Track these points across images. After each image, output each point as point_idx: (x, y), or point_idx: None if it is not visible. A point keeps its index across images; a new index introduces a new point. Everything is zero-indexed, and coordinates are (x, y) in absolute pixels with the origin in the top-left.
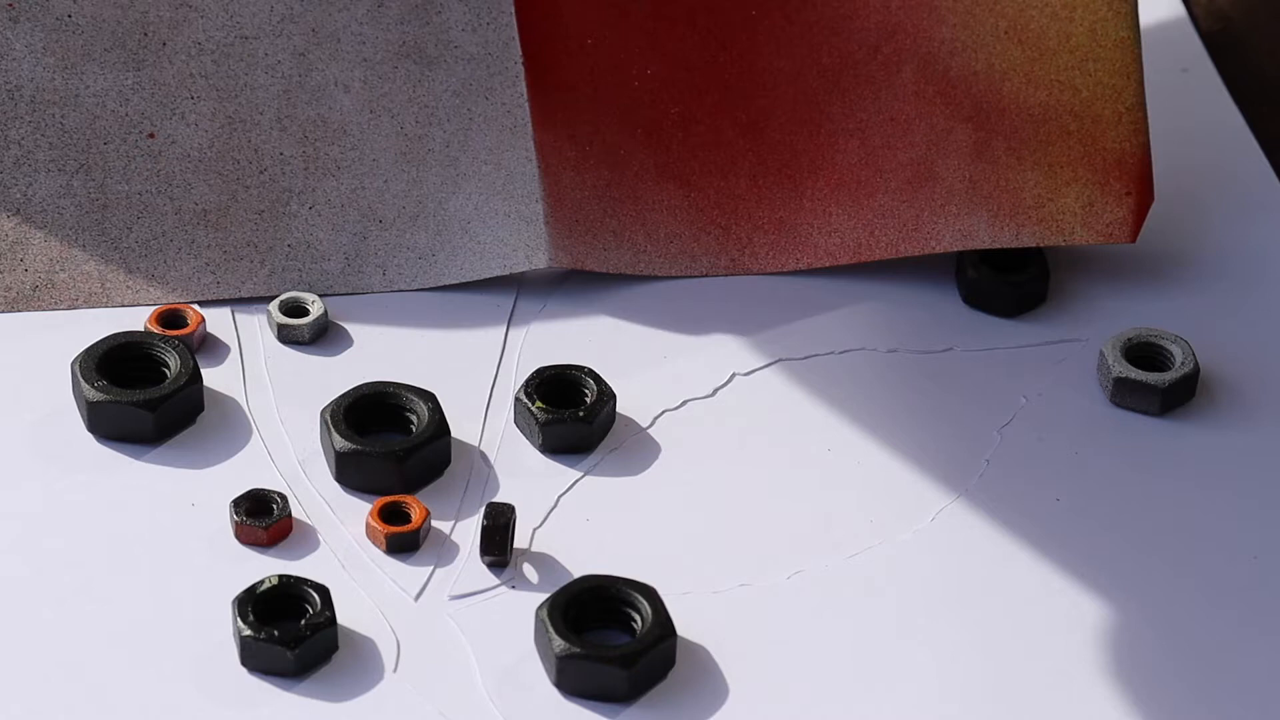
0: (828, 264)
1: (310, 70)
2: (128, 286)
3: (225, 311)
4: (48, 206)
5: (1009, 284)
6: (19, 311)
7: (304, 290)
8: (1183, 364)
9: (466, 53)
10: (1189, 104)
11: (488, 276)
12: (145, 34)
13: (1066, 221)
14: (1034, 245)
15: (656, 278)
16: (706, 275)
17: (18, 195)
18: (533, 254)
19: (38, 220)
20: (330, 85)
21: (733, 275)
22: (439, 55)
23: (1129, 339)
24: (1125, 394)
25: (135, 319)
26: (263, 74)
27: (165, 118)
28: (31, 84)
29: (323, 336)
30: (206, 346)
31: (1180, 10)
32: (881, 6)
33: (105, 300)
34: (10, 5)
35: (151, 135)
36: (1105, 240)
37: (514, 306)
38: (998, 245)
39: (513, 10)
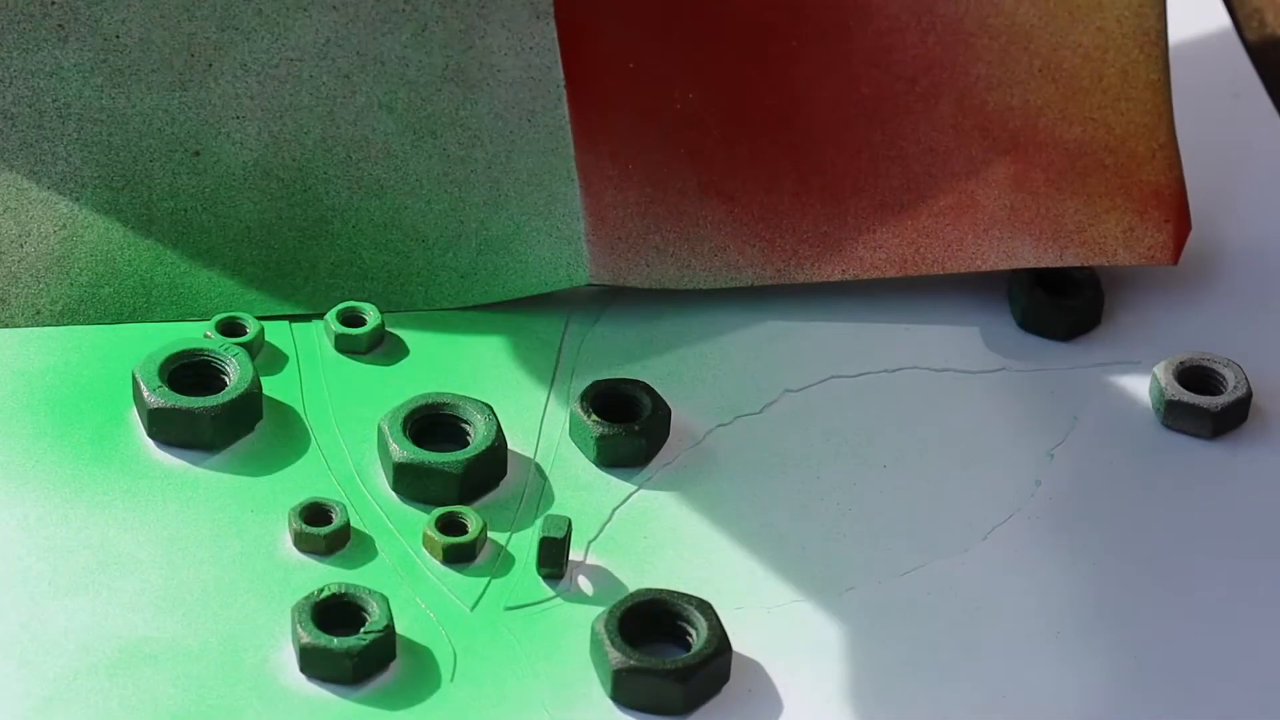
0: (873, 275)
1: (354, 92)
2: (172, 302)
3: (284, 321)
4: (94, 221)
5: (1063, 307)
6: (66, 324)
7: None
8: (1235, 388)
9: (509, 76)
10: (1240, 128)
11: (528, 295)
12: (192, 54)
13: (1108, 244)
14: (1077, 265)
15: (706, 296)
16: (752, 285)
17: (64, 210)
18: (574, 271)
19: (84, 234)
20: (374, 107)
21: (778, 284)
22: (482, 79)
23: (1181, 362)
24: (1177, 417)
25: (196, 329)
26: (307, 95)
27: (211, 136)
28: (80, 102)
29: (379, 346)
30: (265, 355)
31: (1231, 34)
32: (919, 42)
33: (149, 315)
34: (60, 25)
35: (197, 153)
36: (1147, 262)
37: (568, 322)
38: (1042, 265)
39: (555, 35)
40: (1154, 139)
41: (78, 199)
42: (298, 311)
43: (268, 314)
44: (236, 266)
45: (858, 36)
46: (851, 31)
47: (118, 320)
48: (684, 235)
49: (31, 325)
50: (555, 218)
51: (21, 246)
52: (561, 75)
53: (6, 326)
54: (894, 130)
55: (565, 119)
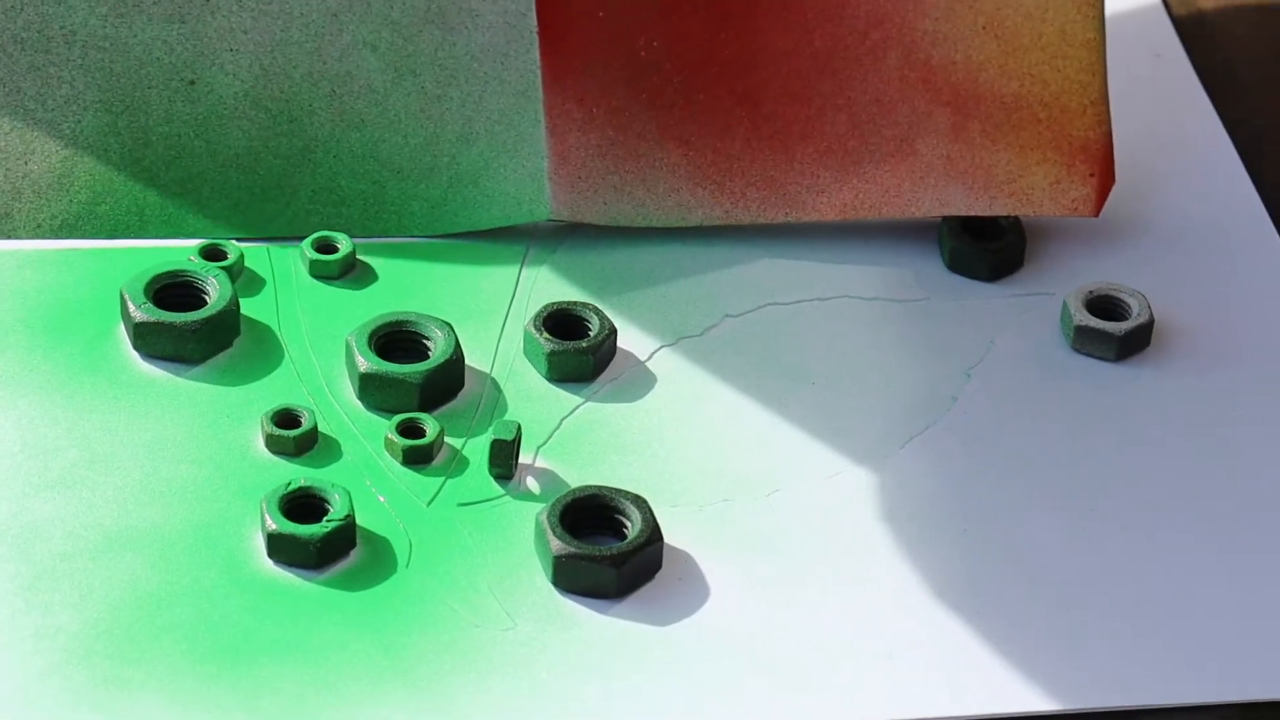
0: (815, 219)
1: (341, 30)
2: (163, 221)
3: (263, 248)
4: (94, 143)
5: (987, 250)
6: (63, 238)
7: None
8: (1139, 314)
9: (486, 21)
10: (1160, 87)
11: (494, 226)
12: None
13: (1035, 196)
14: (1005, 214)
15: (657, 232)
16: (701, 225)
17: (67, 130)
18: (536, 207)
19: (84, 155)
20: (359, 45)
21: (726, 224)
22: (460, 22)
23: (1090, 291)
24: (1085, 340)
25: (181, 253)
26: (297, 31)
27: (205, 67)
28: (85, 30)
29: (351, 272)
30: (244, 279)
31: (1156, 1)
32: None
33: (141, 232)
34: None
35: (192, 82)
36: (1070, 213)
37: (526, 251)
38: (972, 213)
39: None
40: (1086, 95)
41: (79, 121)
42: (280, 234)
43: (252, 235)
44: (224, 190)
45: None
46: None
47: (113, 236)
48: (641, 177)
49: (33, 237)
50: (522, 156)
51: (25, 164)
52: (535, 22)
53: (9, 238)
54: (843, 80)
55: (536, 63)
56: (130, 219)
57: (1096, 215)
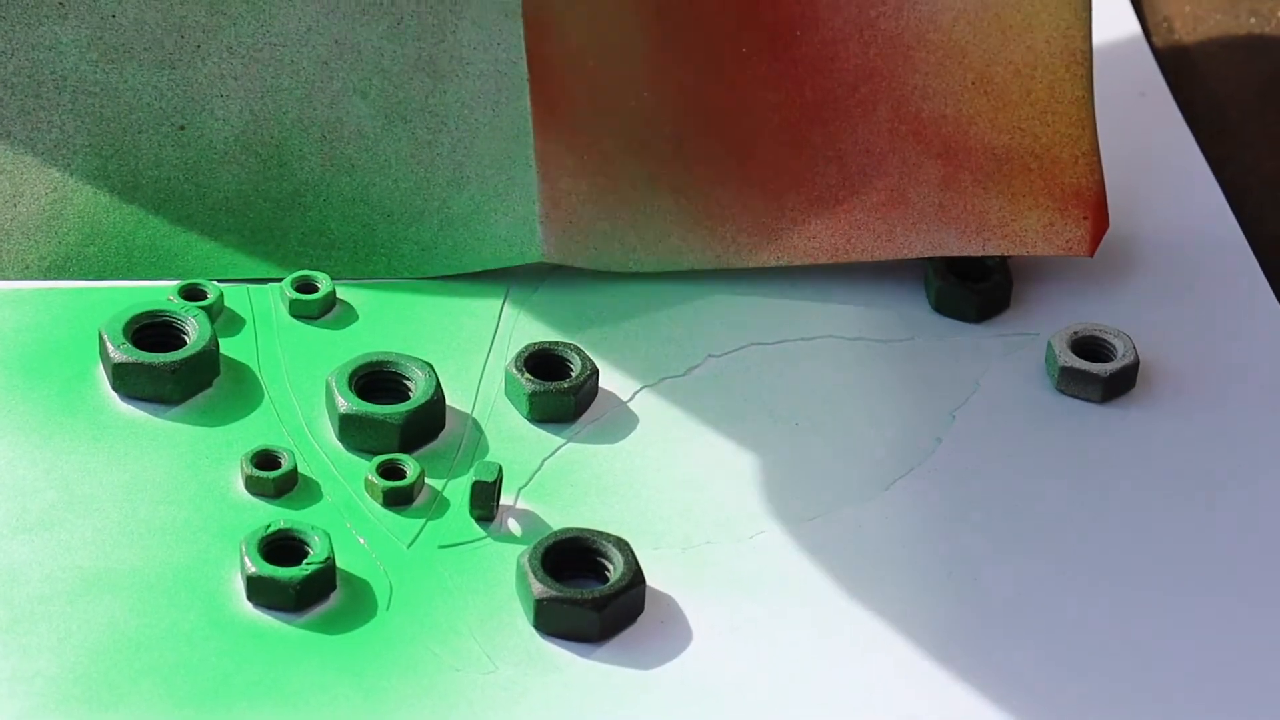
0: (806, 261)
1: (331, 77)
2: (152, 263)
3: (242, 288)
4: (83, 186)
5: (973, 290)
6: (52, 279)
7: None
8: (1124, 355)
9: (477, 69)
10: (1144, 124)
11: (484, 269)
12: (182, 36)
13: (1029, 237)
14: (1000, 254)
15: (643, 274)
16: (691, 269)
17: (56, 174)
18: (527, 250)
19: (73, 197)
20: (349, 91)
21: (716, 269)
22: (451, 70)
23: (1075, 332)
24: (1070, 382)
25: (160, 293)
26: (287, 78)
27: (196, 112)
28: (75, 75)
29: (331, 311)
30: (224, 318)
31: (1140, 37)
32: (860, 52)
33: (130, 273)
34: (60, 3)
35: (182, 127)
36: (1065, 253)
37: (507, 292)
38: (967, 254)
39: (521, 33)
40: (1077, 148)
41: (69, 164)
42: (270, 276)
43: (242, 278)
44: (214, 233)
45: (804, 45)
46: (798, 40)
47: (101, 277)
48: (631, 222)
49: (21, 278)
50: (513, 200)
51: (15, 205)
52: (526, 70)
53: None
54: (833, 132)
55: (527, 110)
56: (119, 261)
57: (1091, 255)
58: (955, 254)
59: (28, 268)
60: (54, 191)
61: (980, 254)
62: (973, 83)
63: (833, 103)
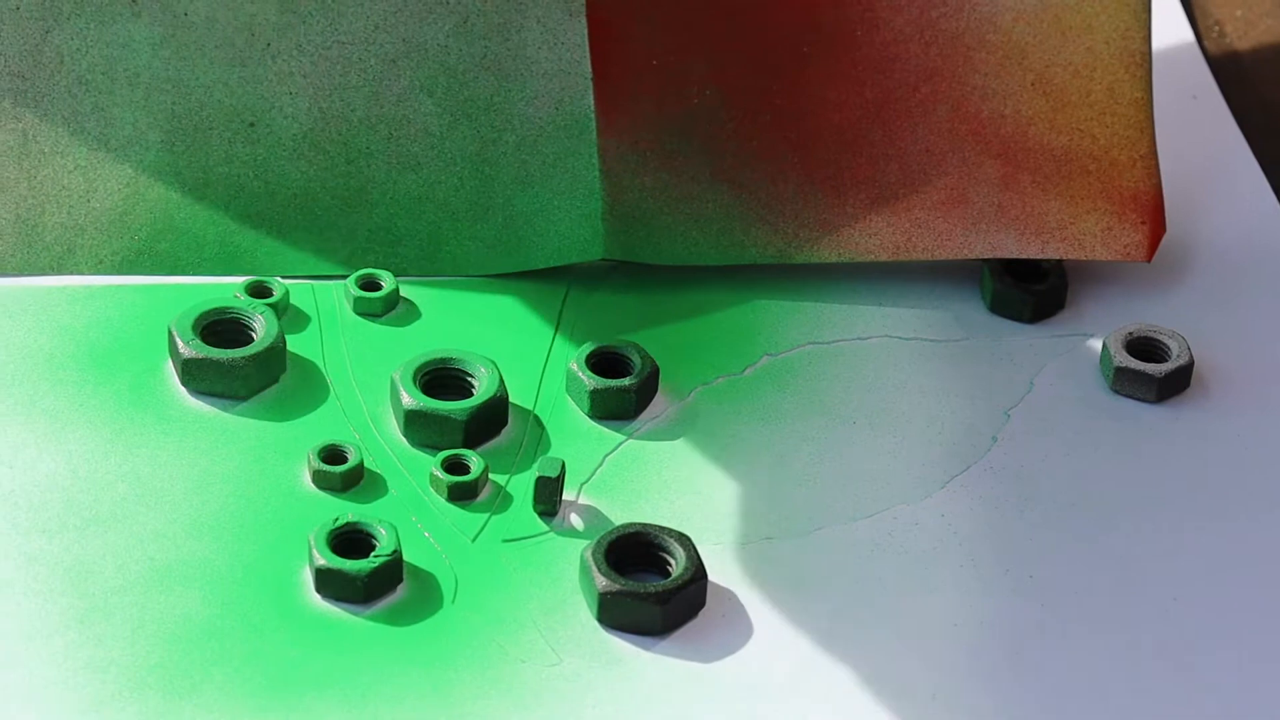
0: (867, 259)
1: (398, 75)
2: (222, 258)
3: (307, 286)
4: (155, 181)
5: (1029, 292)
6: (124, 274)
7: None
8: (1178, 356)
9: (541, 68)
10: (1197, 128)
11: (547, 266)
12: (252, 34)
13: (1087, 241)
14: (1058, 258)
15: (698, 271)
16: (753, 263)
17: (129, 169)
18: (590, 247)
19: (145, 193)
20: (416, 89)
21: (775, 267)
22: (516, 69)
23: (1130, 333)
24: (1125, 382)
25: (226, 290)
26: (355, 75)
27: (265, 109)
28: (148, 72)
29: (394, 310)
30: (289, 315)
31: (1192, 41)
32: (921, 53)
33: (200, 269)
34: (134, 1)
35: (252, 124)
36: (1123, 258)
37: (568, 290)
38: (1026, 255)
39: (585, 32)
40: (1135, 150)
41: (141, 160)
42: (337, 273)
43: (309, 274)
44: (282, 229)
45: (864, 46)
46: (859, 41)
47: (172, 272)
48: (694, 217)
49: (94, 274)
50: (576, 197)
51: (88, 201)
52: (589, 69)
53: (72, 274)
54: (894, 131)
55: (590, 108)
56: (190, 256)
57: (1149, 260)
58: (1014, 255)
59: (101, 263)
60: (127, 187)
61: (1039, 256)
62: (1032, 84)
63: (893, 102)
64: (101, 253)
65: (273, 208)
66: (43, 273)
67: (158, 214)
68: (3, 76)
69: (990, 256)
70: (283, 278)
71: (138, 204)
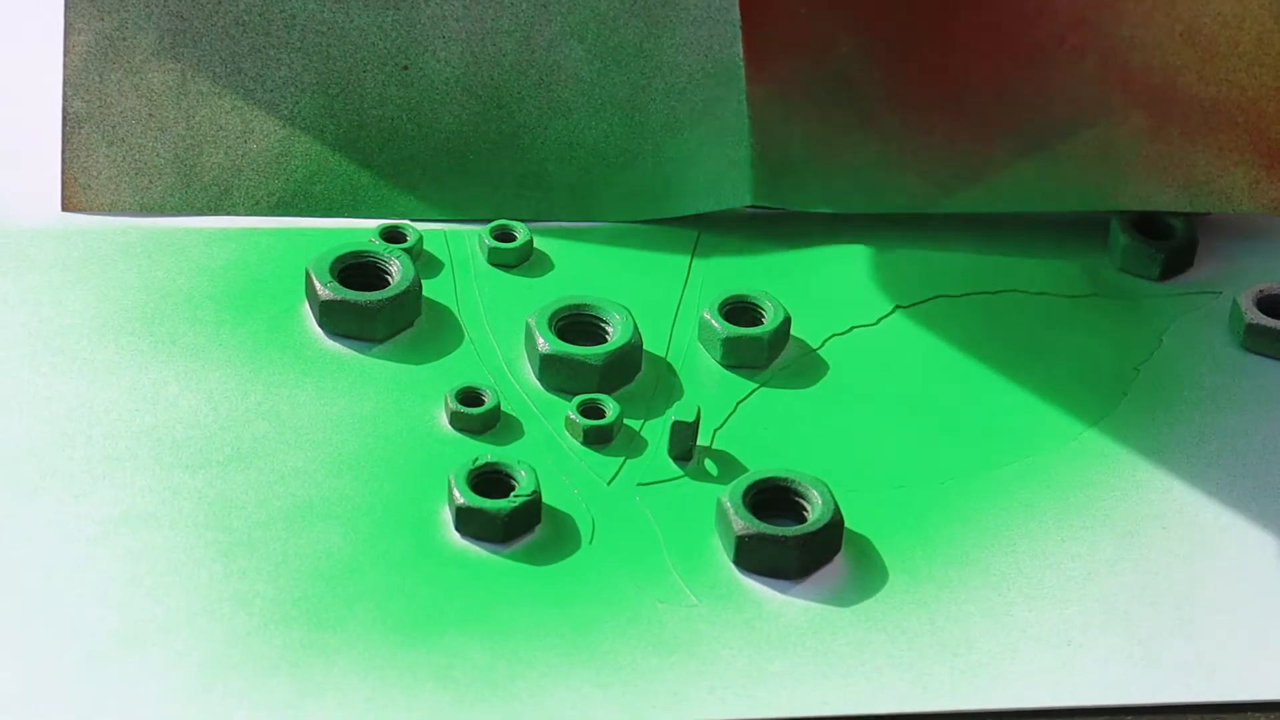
0: (1013, 209)
1: (549, 20)
2: (376, 201)
3: (439, 233)
4: (311, 124)
5: (1159, 249)
6: (279, 215)
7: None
8: None
9: (691, 15)
10: None
11: (696, 213)
12: None
13: (1235, 195)
14: (1205, 212)
15: (827, 220)
16: (900, 212)
17: (285, 111)
18: (738, 193)
19: (301, 135)
20: (566, 35)
21: (912, 215)
22: (665, 15)
23: (1261, 290)
24: (1255, 339)
25: (361, 234)
26: (507, 20)
27: (418, 53)
28: (304, 14)
29: (527, 261)
30: (423, 261)
31: None
32: (1070, 4)
33: (354, 211)
34: None
35: (405, 68)
36: (1270, 212)
37: (698, 239)
38: (1173, 209)
39: None
40: None
41: (297, 102)
42: (488, 216)
43: (460, 218)
44: (434, 173)
45: None
46: None
47: (327, 214)
48: (842, 165)
49: (251, 214)
50: (725, 144)
51: (245, 142)
52: (738, 16)
53: (229, 214)
54: (1041, 81)
55: (739, 56)
56: (344, 199)
57: None
58: (1162, 209)
59: (257, 204)
60: (283, 129)
61: (1186, 210)
62: (1180, 34)
63: (1041, 53)
64: (258, 194)
65: (425, 151)
66: (200, 213)
67: (313, 156)
68: (162, 17)
69: (1137, 209)
70: (425, 222)
71: (294, 146)
